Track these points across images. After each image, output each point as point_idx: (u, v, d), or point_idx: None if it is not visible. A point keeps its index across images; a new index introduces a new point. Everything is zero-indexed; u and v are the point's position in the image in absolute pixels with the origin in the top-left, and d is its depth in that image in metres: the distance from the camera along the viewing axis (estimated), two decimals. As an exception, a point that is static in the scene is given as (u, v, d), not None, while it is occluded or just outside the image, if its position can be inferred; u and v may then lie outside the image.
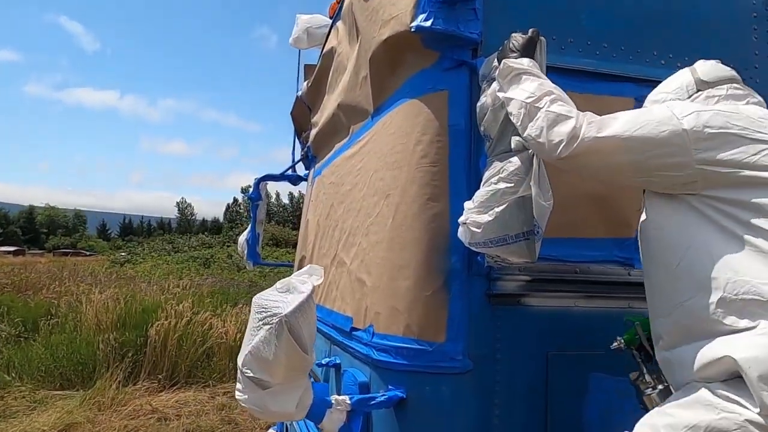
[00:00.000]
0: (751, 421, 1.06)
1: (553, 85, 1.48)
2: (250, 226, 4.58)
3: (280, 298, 1.55)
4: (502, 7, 1.86)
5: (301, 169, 4.43)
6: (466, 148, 1.81)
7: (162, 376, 6.67)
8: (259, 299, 1.60)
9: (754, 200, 1.21)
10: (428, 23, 1.78)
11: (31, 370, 6.64)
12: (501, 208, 1.55)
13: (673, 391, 1.42)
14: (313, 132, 3.55)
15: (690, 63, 2.00)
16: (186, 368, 6.88)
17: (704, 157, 1.25)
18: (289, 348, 1.49)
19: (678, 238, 1.31)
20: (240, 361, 1.58)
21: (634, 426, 1.30)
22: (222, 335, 7.26)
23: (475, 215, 1.58)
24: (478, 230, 1.57)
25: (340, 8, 2.86)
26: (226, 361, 7.03)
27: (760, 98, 1.51)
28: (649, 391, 1.53)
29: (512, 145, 1.56)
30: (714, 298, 1.20)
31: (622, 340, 1.63)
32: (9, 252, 55.54)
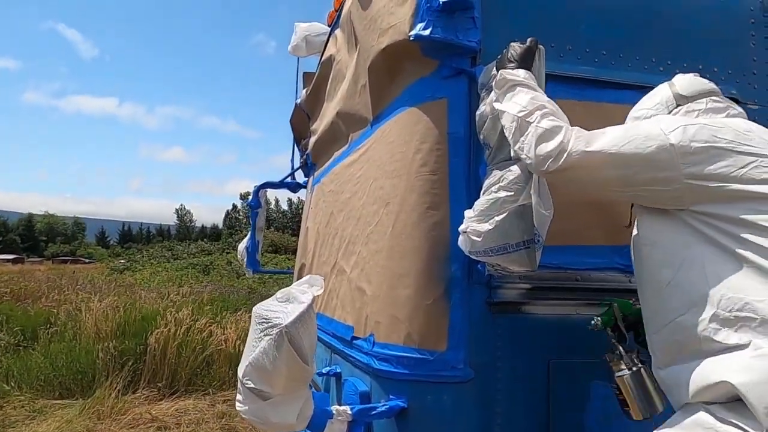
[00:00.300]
0: None
1: (546, 98, 1.49)
2: (249, 233, 4.58)
3: (280, 308, 1.55)
4: (500, 15, 1.86)
5: (300, 177, 4.44)
6: (466, 156, 1.81)
7: (161, 385, 6.64)
8: (259, 309, 1.60)
9: (743, 216, 1.20)
10: (427, 32, 1.78)
11: (30, 379, 6.61)
12: (501, 216, 1.54)
13: (646, 378, 1.49)
14: (312, 139, 3.55)
15: (688, 70, 2.00)
16: (186, 376, 6.85)
17: (692, 171, 1.25)
18: (290, 359, 1.48)
19: (670, 253, 1.31)
20: (240, 372, 1.57)
21: None
22: (222, 342, 7.24)
23: (475, 224, 1.58)
24: (479, 239, 1.56)
25: (339, 16, 2.87)
26: (226, 369, 7.00)
27: (740, 110, 1.52)
28: (621, 372, 1.55)
29: (512, 154, 1.56)
30: (707, 314, 1.19)
31: (600, 320, 1.65)
32: (8, 260, 55.44)
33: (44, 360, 6.90)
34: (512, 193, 1.55)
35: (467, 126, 1.81)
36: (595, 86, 1.93)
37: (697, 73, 1.63)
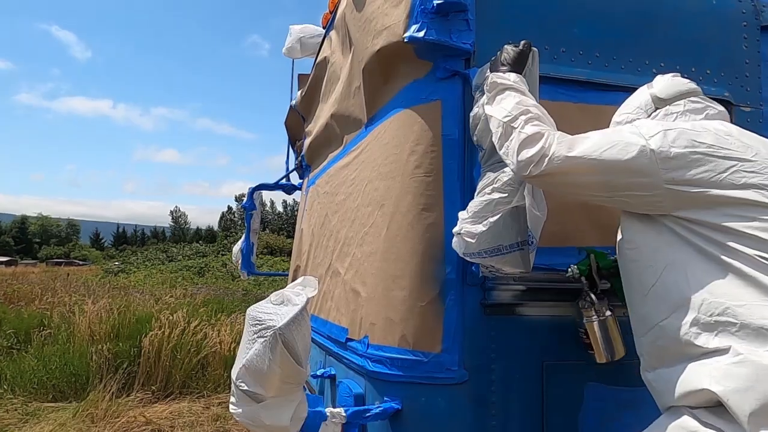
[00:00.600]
0: None
1: (533, 102, 1.49)
2: (244, 235, 4.57)
3: (274, 310, 1.54)
4: (494, 17, 1.87)
5: (295, 179, 4.43)
6: (460, 158, 1.81)
7: (156, 387, 6.61)
8: (253, 311, 1.59)
9: (724, 222, 1.20)
10: (421, 34, 1.78)
11: (24, 382, 6.56)
12: (495, 218, 1.55)
13: (611, 327, 1.64)
14: (307, 141, 3.55)
15: (681, 72, 2.01)
16: (180, 379, 6.82)
17: (672, 176, 1.25)
18: (284, 361, 1.48)
19: (654, 258, 1.31)
20: (234, 374, 1.57)
21: None
22: (216, 345, 7.21)
23: (469, 225, 1.58)
24: (473, 240, 1.57)
25: (333, 18, 2.87)
26: (220, 371, 6.97)
27: (720, 109, 1.52)
28: (590, 319, 1.67)
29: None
30: (689, 318, 1.20)
31: (576, 268, 1.72)
32: (1, 262, 55.11)
33: (37, 363, 6.86)
34: (506, 194, 1.55)
35: (461, 128, 1.81)
36: (588, 88, 1.94)
37: (677, 73, 1.64)
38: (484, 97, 1.62)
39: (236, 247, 4.63)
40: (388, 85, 2.10)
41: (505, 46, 1.64)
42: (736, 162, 1.24)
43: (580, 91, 1.93)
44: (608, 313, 1.68)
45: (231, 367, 1.64)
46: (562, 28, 1.94)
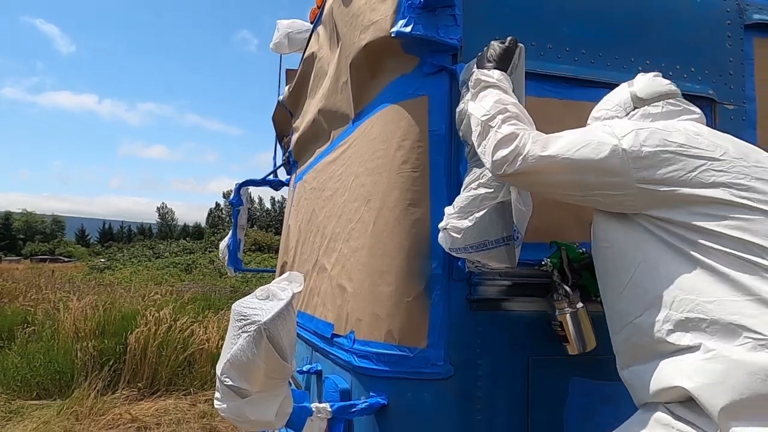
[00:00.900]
0: None
1: (513, 101, 1.49)
2: (231, 231, 4.54)
3: (259, 305, 1.54)
4: (481, 12, 1.87)
5: (282, 174, 4.41)
6: (447, 153, 1.81)
7: (142, 385, 6.57)
8: (238, 306, 1.58)
9: (696, 222, 1.22)
10: (408, 29, 1.78)
11: (7, 379, 6.50)
12: (481, 213, 1.55)
13: (583, 318, 1.67)
14: (295, 137, 3.53)
15: (666, 69, 2.04)
16: (166, 376, 6.78)
17: (643, 176, 1.27)
18: (268, 356, 1.47)
19: (628, 255, 1.32)
20: (219, 369, 1.56)
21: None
22: (203, 342, 7.18)
23: (455, 221, 1.58)
24: (459, 235, 1.57)
25: (321, 13, 2.85)
26: (207, 368, 6.95)
27: (697, 113, 1.54)
28: (563, 311, 1.70)
29: None
30: (661, 315, 1.21)
31: (550, 262, 1.75)
32: (-16, 259, 54.34)
33: (21, 360, 6.79)
34: (492, 189, 1.55)
35: (448, 123, 1.81)
36: (574, 85, 1.95)
37: (658, 73, 1.66)
38: (469, 93, 1.62)
39: (223, 244, 4.60)
40: (375, 80, 2.09)
41: (492, 42, 1.64)
42: (705, 161, 1.25)
43: (566, 87, 1.94)
44: (580, 305, 1.71)
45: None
46: (549, 24, 1.95)
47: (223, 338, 7.07)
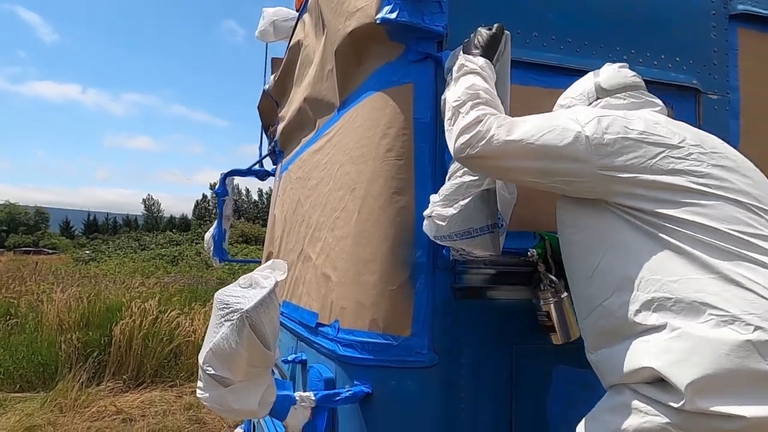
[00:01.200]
0: (672, 424, 1.10)
1: (485, 86, 1.49)
2: (216, 221, 4.51)
3: (242, 293, 1.52)
4: (467, 0, 1.85)
5: (268, 164, 4.38)
6: (432, 141, 1.80)
7: (127, 377, 6.53)
8: (221, 295, 1.57)
9: (658, 209, 1.24)
10: (393, 15, 1.76)
11: (-11, 372, 6.43)
12: (466, 201, 1.55)
13: (566, 308, 1.67)
14: (280, 126, 3.51)
15: (651, 59, 2.05)
16: (152, 368, 6.74)
17: (605, 162, 1.28)
18: (251, 344, 1.46)
19: (597, 240, 1.34)
20: (201, 358, 1.54)
21: None
22: (190, 334, 7.14)
23: (440, 208, 1.58)
24: (443, 223, 1.56)
25: (307, 1, 2.82)
26: (194, 360, 6.91)
27: (660, 105, 1.56)
28: (548, 301, 1.71)
29: None
30: (628, 297, 1.23)
31: (535, 253, 1.76)
32: (-33, 251, 53.54)
33: (4, 352, 6.71)
34: (476, 177, 1.55)
35: (433, 111, 1.80)
36: (560, 73, 1.94)
37: (625, 64, 1.67)
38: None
39: (208, 234, 4.56)
40: (361, 67, 2.07)
41: (479, 29, 1.63)
42: (664, 148, 1.28)
43: (552, 76, 1.93)
44: (564, 294, 1.71)
45: (204, 356, 1.61)
46: (535, 12, 1.94)
47: (209, 330, 7.06)
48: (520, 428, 1.81)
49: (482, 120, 1.38)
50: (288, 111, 3.25)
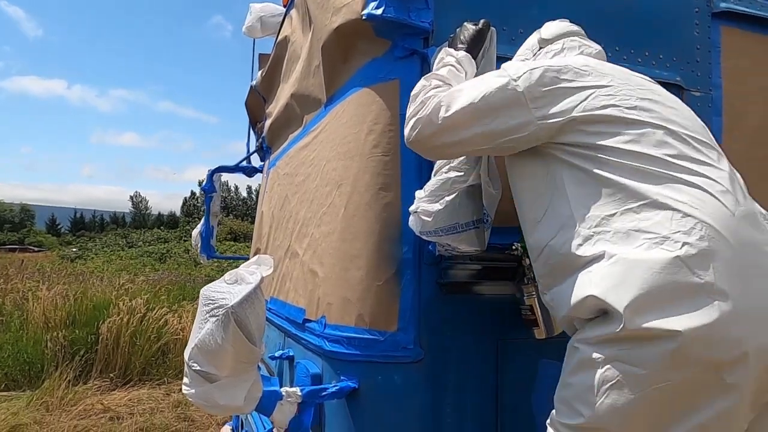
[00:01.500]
0: (619, 358, 1.13)
1: (447, 76, 1.52)
2: (203, 218, 4.48)
3: (227, 289, 1.52)
4: (453, -4, 1.86)
5: (256, 161, 4.36)
6: (418, 137, 1.80)
7: (114, 375, 6.48)
8: (206, 291, 1.57)
9: (596, 141, 1.30)
10: (379, 11, 1.76)
11: (-26, 371, 6.35)
12: (451, 197, 1.55)
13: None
14: (268, 122, 3.50)
15: (635, 55, 2.06)
16: (140, 366, 6.71)
17: (542, 113, 1.34)
18: (237, 340, 1.46)
19: (543, 184, 1.38)
20: (187, 354, 1.54)
21: None
22: (178, 331, 7.11)
23: (425, 204, 1.58)
24: (429, 219, 1.57)
25: (294, -4, 2.81)
26: (182, 358, 6.86)
27: (596, 48, 1.63)
28: (531, 295, 1.71)
29: None
30: (571, 233, 1.27)
31: (519, 246, 1.75)
32: (-49, 249, 52.82)
33: (-12, 351, 6.64)
34: (462, 173, 1.56)
35: (419, 107, 1.80)
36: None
37: (565, 18, 1.73)
38: None
39: (195, 231, 4.54)
40: (347, 63, 2.07)
41: (465, 24, 1.64)
42: (594, 89, 1.35)
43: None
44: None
45: (192, 354, 1.61)
46: (521, 8, 1.95)
47: (197, 327, 7.04)
48: (506, 422, 1.83)
49: (425, 102, 1.43)
50: (275, 107, 3.24)
